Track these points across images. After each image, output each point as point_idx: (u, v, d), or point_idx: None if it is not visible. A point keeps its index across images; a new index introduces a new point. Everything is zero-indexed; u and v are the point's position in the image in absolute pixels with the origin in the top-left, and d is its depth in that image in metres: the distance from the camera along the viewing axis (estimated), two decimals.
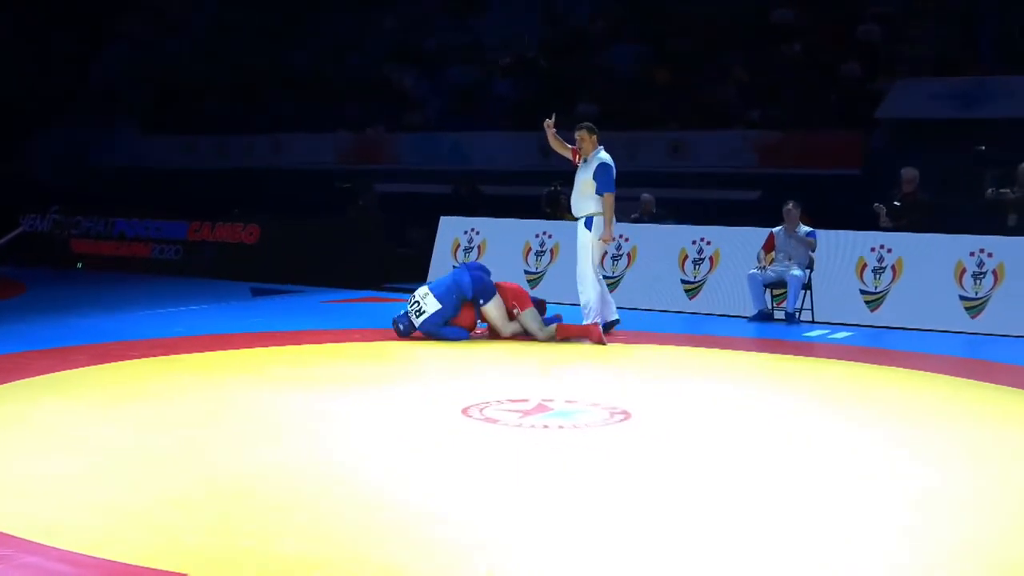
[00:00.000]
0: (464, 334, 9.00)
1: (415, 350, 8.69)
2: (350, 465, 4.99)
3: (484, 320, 9.20)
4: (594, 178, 9.08)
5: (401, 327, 9.03)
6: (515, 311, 9.10)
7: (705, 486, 4.74)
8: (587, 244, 9.11)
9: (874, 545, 3.96)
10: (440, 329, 8.91)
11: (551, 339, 9.04)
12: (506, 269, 12.24)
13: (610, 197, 9.07)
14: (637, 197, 13.61)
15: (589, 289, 9.15)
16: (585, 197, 9.15)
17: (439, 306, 8.86)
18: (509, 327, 9.06)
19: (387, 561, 3.74)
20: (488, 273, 9.18)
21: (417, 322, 8.89)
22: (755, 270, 10.86)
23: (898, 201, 11.39)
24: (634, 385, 7.21)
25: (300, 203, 15.83)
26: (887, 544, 3.98)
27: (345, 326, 10.13)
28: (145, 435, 5.49)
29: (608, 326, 9.30)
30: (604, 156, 9.16)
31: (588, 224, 9.11)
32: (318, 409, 6.21)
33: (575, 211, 9.30)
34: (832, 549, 3.93)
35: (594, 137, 9.24)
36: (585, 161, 9.21)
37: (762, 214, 12.15)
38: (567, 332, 9.15)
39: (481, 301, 8.99)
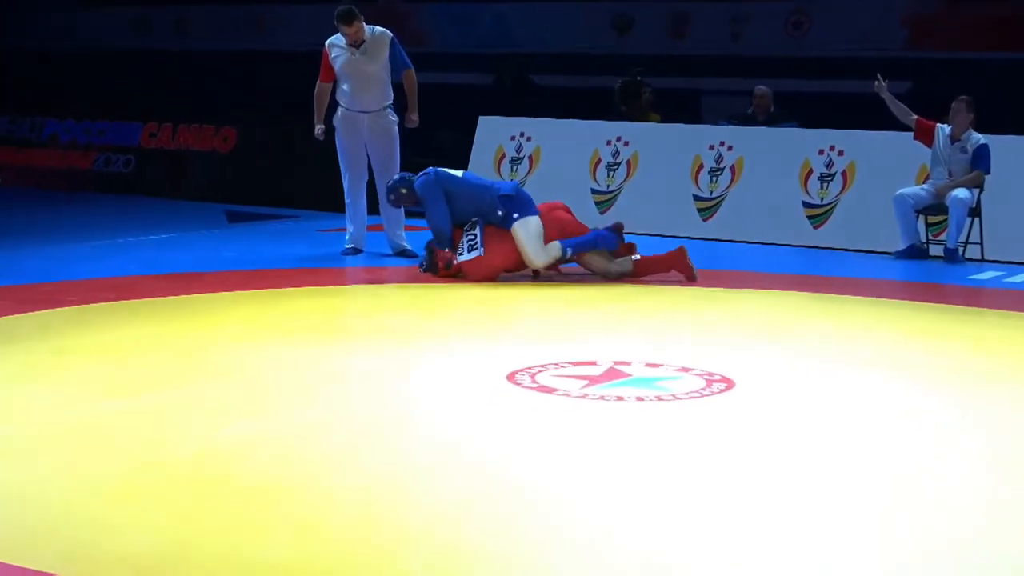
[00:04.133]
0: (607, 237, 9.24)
1: (442, 293, 8.78)
2: (351, 445, 5.06)
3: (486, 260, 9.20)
4: None
5: (425, 263, 9.34)
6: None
7: (840, 477, 4.75)
8: None
9: None
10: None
11: (624, 272, 9.19)
12: (567, 187, 12.24)
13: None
14: (746, 90, 13.49)
15: None
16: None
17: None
18: (543, 256, 9.13)
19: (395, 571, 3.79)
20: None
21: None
22: (906, 189, 10.76)
23: None
24: (737, 343, 7.18)
25: (290, 98, 15.82)
26: None
27: (350, 263, 10.24)
28: (87, 403, 5.56)
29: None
30: None
31: None
32: (312, 372, 6.29)
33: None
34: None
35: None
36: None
37: (913, 112, 11.99)
38: (649, 266, 9.22)
39: (516, 215, 9.08)
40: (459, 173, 9.49)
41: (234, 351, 6.74)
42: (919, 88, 14.70)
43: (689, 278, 9.16)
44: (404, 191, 9.41)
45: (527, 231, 9.09)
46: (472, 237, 9.12)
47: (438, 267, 9.23)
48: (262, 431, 5.20)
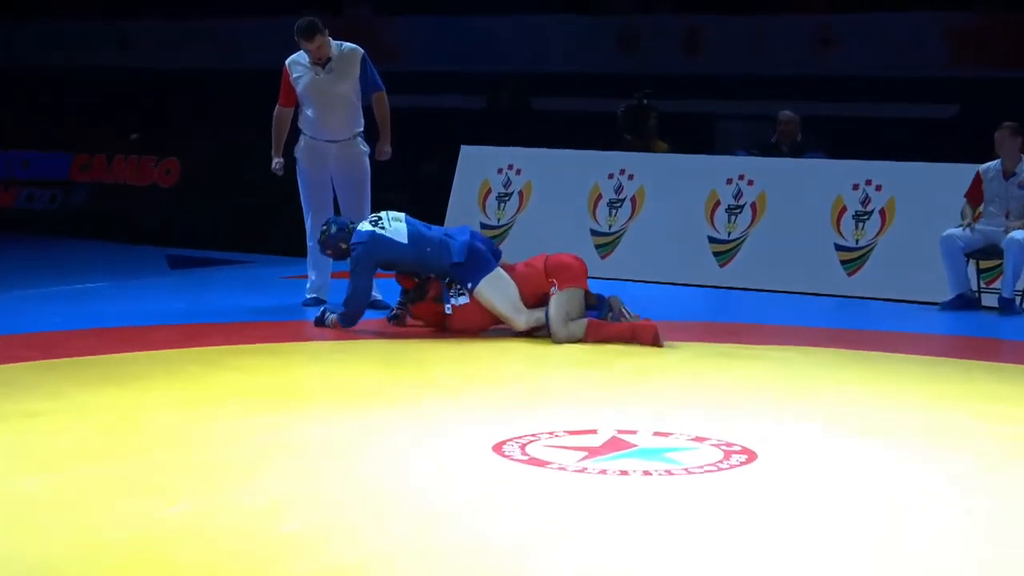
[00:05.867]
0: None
1: (417, 350, 8.82)
2: (309, 529, 5.00)
3: (454, 320, 9.18)
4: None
5: (396, 310, 9.45)
6: (552, 290, 9.00)
7: (879, 573, 4.68)
8: None
9: None
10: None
11: (571, 340, 8.93)
12: (562, 227, 12.21)
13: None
14: (769, 115, 13.49)
15: None
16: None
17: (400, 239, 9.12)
18: (525, 317, 9.06)
19: None
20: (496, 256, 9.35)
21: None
22: (955, 230, 10.75)
23: None
24: (759, 409, 7.21)
25: (244, 125, 15.81)
26: None
27: (313, 316, 10.12)
28: (6, 479, 5.55)
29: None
30: None
31: None
32: (265, 443, 6.27)
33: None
34: None
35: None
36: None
37: (960, 140, 12.00)
38: (602, 332, 8.98)
39: (470, 285, 9.00)
40: (403, 230, 9.15)
41: (176, 419, 6.70)
42: (967, 113, 14.74)
43: (653, 344, 8.85)
44: (343, 247, 9.27)
45: (492, 292, 9.05)
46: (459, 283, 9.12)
47: (405, 319, 9.33)
48: (207, 511, 5.16)
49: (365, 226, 9.22)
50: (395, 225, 9.20)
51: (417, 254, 9.15)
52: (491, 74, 16.97)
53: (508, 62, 17.60)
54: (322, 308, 9.48)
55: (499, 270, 9.14)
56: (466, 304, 9.07)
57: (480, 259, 9.13)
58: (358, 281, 9.17)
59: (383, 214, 9.30)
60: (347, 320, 9.20)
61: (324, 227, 9.40)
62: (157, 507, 5.20)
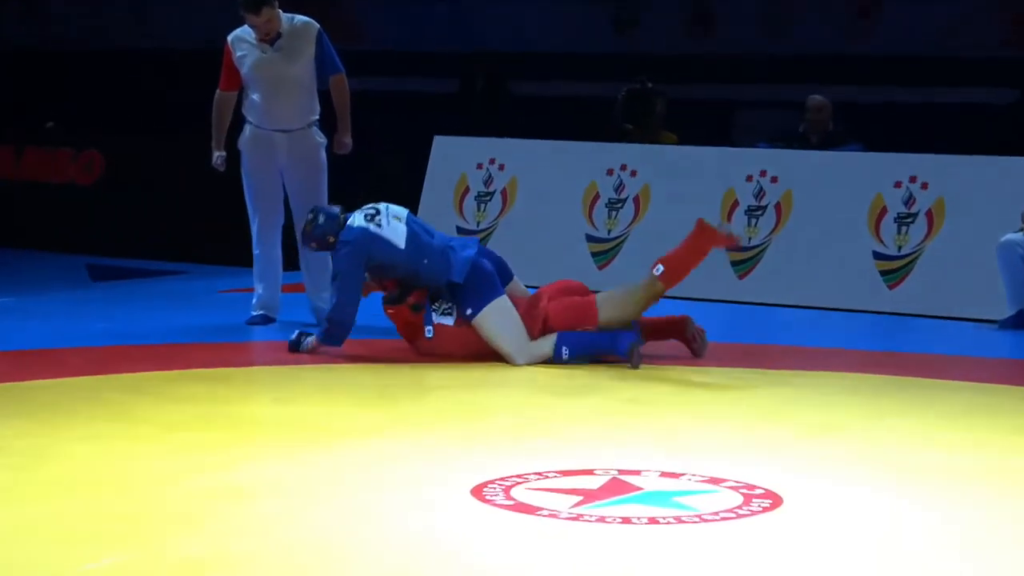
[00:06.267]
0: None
1: (383, 376, 8.89)
2: None
3: (442, 347, 9.22)
4: None
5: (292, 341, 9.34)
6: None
7: None
8: None
9: None
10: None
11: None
12: (552, 233, 12.20)
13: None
14: (796, 101, 13.51)
15: None
16: None
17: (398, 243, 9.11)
18: (527, 356, 9.11)
19: None
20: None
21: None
22: (1015, 235, 10.77)
23: None
24: (784, 445, 7.24)
25: (177, 113, 15.83)
26: None
27: (259, 336, 10.27)
28: None
29: None
30: None
31: None
32: (201, 486, 6.24)
33: None
34: None
35: None
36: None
37: (1021, 130, 12.00)
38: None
39: (469, 312, 9.04)
40: (402, 231, 9.19)
41: (97, 457, 6.68)
42: None
43: (694, 353, 9.13)
44: (331, 240, 9.23)
45: (492, 323, 9.07)
46: (448, 302, 9.14)
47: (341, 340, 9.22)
48: (136, 567, 5.11)
49: (359, 220, 9.14)
50: (394, 224, 9.16)
51: (412, 263, 9.11)
52: (464, 54, 16.96)
53: (484, 42, 17.60)
54: (296, 331, 9.35)
55: (506, 299, 9.12)
56: (450, 328, 9.06)
57: (485, 281, 9.11)
58: (346, 285, 9.07)
59: (382, 207, 9.25)
60: (331, 337, 9.11)
61: (311, 215, 9.32)
62: (76, 562, 5.16)
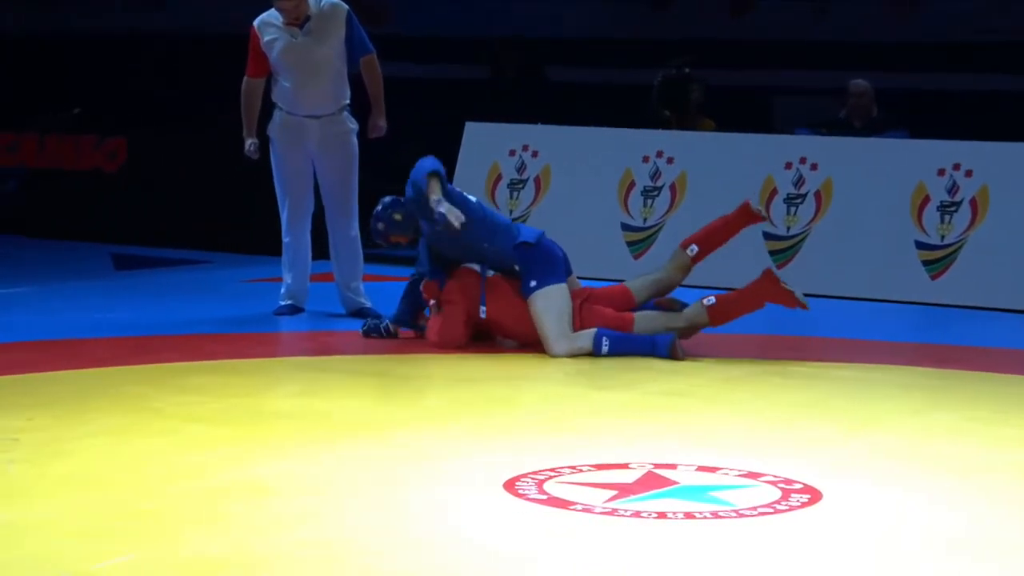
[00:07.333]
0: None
1: (412, 368, 8.92)
2: None
3: (498, 330, 9.38)
4: None
5: (387, 326, 9.49)
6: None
7: None
8: None
9: None
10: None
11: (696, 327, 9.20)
12: (587, 222, 12.16)
13: None
14: (837, 88, 13.40)
15: None
16: None
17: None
18: (568, 346, 9.13)
19: None
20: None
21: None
22: None
23: None
24: (824, 439, 7.25)
25: (204, 99, 15.82)
26: None
27: (286, 327, 10.29)
28: None
29: None
30: None
31: None
32: (222, 483, 6.23)
33: None
34: None
35: None
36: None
37: None
38: (730, 308, 9.19)
39: (533, 283, 9.10)
40: (472, 198, 9.47)
41: (112, 453, 6.68)
42: None
43: (791, 306, 9.14)
44: (398, 218, 9.26)
45: (547, 305, 9.10)
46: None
47: (389, 329, 9.38)
48: (153, 565, 5.08)
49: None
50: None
51: (480, 219, 9.21)
52: (495, 40, 16.93)
53: (515, 25, 17.58)
54: (367, 317, 9.58)
55: (566, 287, 9.20)
56: (509, 294, 9.18)
57: (556, 261, 9.24)
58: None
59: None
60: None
61: (378, 208, 9.35)
62: (91, 558, 5.13)
